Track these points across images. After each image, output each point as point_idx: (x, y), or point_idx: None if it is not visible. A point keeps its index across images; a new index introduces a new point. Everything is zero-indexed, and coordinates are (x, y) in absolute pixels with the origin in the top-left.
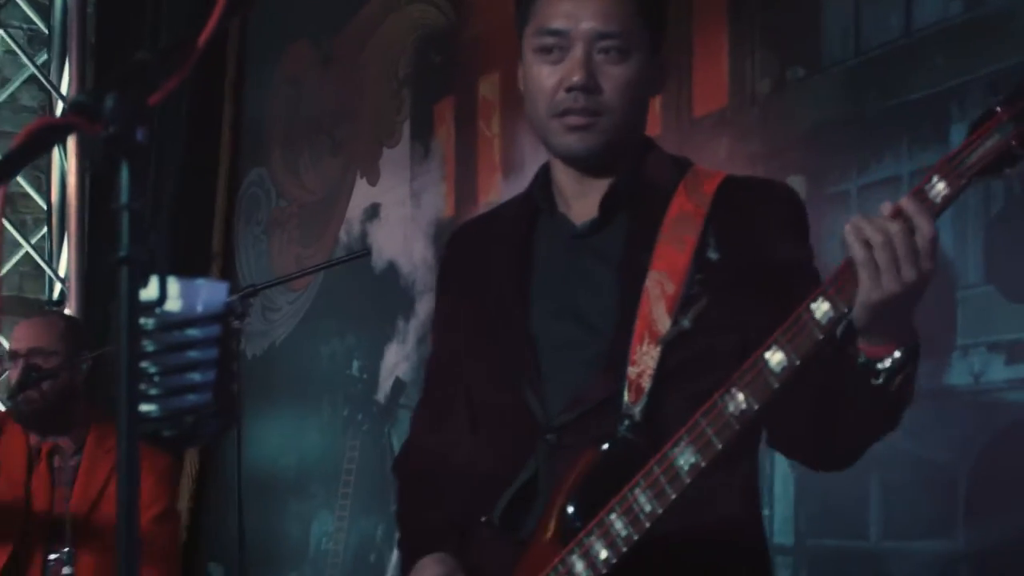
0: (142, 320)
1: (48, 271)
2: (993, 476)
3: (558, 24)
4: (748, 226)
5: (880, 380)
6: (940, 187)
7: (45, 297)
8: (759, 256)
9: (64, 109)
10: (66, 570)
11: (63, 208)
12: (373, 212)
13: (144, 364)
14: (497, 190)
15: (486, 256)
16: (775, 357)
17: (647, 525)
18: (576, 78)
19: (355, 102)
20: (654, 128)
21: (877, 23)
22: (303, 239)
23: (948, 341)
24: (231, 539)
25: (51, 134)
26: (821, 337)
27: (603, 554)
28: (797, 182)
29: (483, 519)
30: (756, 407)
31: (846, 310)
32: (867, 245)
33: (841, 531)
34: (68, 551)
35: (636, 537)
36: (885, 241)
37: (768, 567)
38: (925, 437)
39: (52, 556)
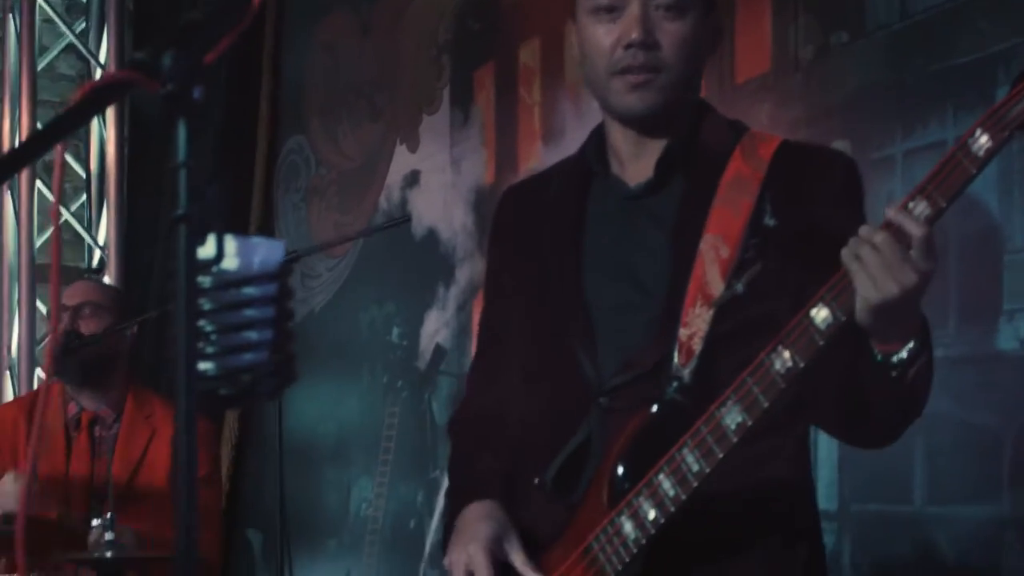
0: (199, 278)
1: (87, 238)
2: None
3: None
4: (806, 194)
5: (896, 373)
6: (983, 140)
7: (84, 265)
8: (815, 225)
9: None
10: (108, 536)
11: (102, 176)
12: (413, 179)
13: (201, 322)
14: (538, 157)
15: (539, 217)
16: (821, 314)
17: (695, 485)
18: (635, 35)
19: (394, 69)
20: None
21: None
22: (342, 206)
23: (995, 306)
24: (270, 506)
25: (111, 90)
26: (822, 343)
27: (651, 514)
28: (841, 147)
29: (536, 481)
30: (802, 365)
31: (844, 318)
32: (857, 257)
33: (885, 496)
34: (110, 517)
35: (684, 497)
36: (871, 248)
37: (817, 532)
38: (971, 402)
39: (94, 522)
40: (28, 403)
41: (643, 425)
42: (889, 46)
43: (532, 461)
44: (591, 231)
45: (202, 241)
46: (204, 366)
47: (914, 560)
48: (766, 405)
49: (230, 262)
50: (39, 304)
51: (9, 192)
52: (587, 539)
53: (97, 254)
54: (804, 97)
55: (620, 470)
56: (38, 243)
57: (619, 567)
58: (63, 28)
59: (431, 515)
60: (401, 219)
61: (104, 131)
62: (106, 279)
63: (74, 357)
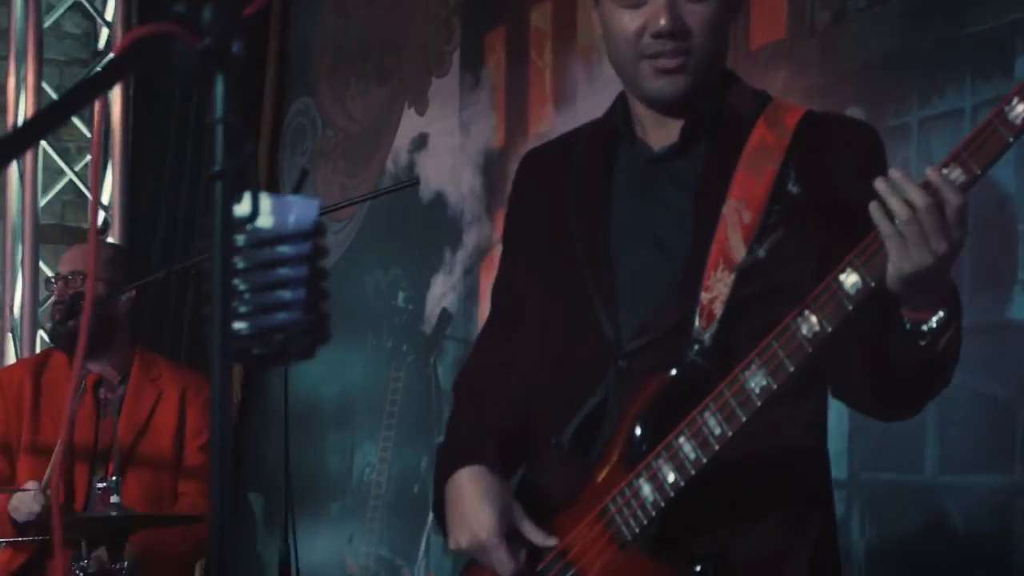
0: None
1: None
2: None
3: None
4: (829, 163)
5: (926, 342)
6: (1020, 108)
7: (88, 225)
8: (838, 193)
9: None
10: (114, 498)
11: (107, 136)
12: (421, 142)
13: (235, 281)
14: (548, 121)
15: (563, 178)
16: (850, 279)
17: (716, 448)
18: (663, 23)
19: (403, 32)
20: None
21: None
22: (349, 169)
23: (1009, 275)
24: (271, 470)
25: (151, 43)
26: (851, 308)
27: (671, 477)
28: (856, 114)
29: (553, 441)
30: (830, 329)
31: (873, 284)
32: (893, 219)
33: (896, 465)
34: (116, 480)
35: (705, 460)
36: (911, 216)
37: (830, 501)
38: (984, 371)
39: (100, 485)
40: (34, 365)
41: (662, 388)
42: (906, 13)
43: (548, 421)
44: (616, 194)
45: (238, 198)
46: (237, 325)
47: (924, 529)
48: (792, 369)
49: (265, 220)
50: (42, 265)
51: None
52: (603, 501)
53: (102, 215)
54: (819, 64)
55: (638, 432)
56: (42, 203)
57: (636, 529)
58: None
59: None
60: (409, 182)
61: (109, 91)
62: (110, 239)
63: (68, 326)
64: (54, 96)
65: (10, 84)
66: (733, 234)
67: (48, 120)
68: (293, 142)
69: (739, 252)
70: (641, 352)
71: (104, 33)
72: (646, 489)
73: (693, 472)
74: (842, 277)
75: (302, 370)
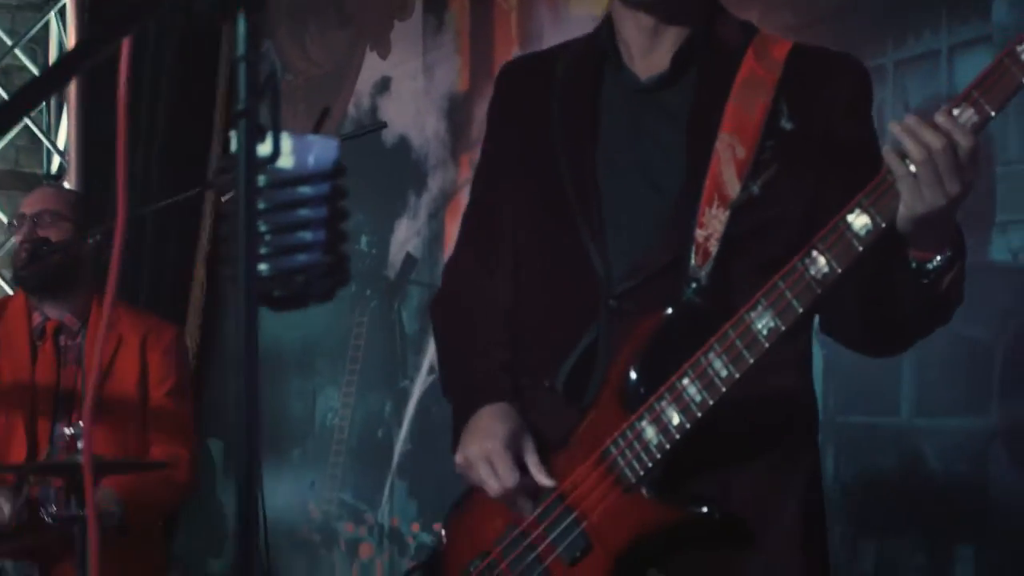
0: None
1: (47, 143)
2: None
3: None
4: (820, 98)
5: (929, 280)
6: None
7: (43, 171)
8: (829, 129)
9: None
10: (80, 445)
11: None
12: (383, 86)
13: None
14: None
15: (546, 99)
16: (859, 220)
17: (723, 390)
18: None
19: None
20: None
21: None
22: (310, 113)
23: (987, 217)
24: (229, 416)
25: None
26: (861, 249)
27: (675, 419)
28: None
29: (546, 384)
30: (840, 270)
31: (884, 224)
32: (907, 160)
33: (871, 408)
34: (81, 427)
35: (712, 402)
36: (927, 158)
37: (816, 439)
38: (961, 313)
39: (67, 431)
40: None
41: (658, 327)
42: None
43: (536, 360)
44: (603, 123)
45: (261, 138)
46: (258, 267)
47: (900, 472)
48: (801, 310)
49: (285, 160)
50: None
51: None
52: (603, 443)
53: (56, 160)
54: (793, 3)
55: (634, 374)
56: None
57: (640, 472)
58: None
59: (400, 425)
60: (377, 126)
61: (64, 33)
62: (66, 184)
63: (36, 266)
64: (6, 40)
65: None
66: (727, 169)
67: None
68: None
69: (733, 188)
70: (633, 292)
71: None
72: (650, 432)
73: (699, 414)
74: (851, 218)
75: (262, 316)
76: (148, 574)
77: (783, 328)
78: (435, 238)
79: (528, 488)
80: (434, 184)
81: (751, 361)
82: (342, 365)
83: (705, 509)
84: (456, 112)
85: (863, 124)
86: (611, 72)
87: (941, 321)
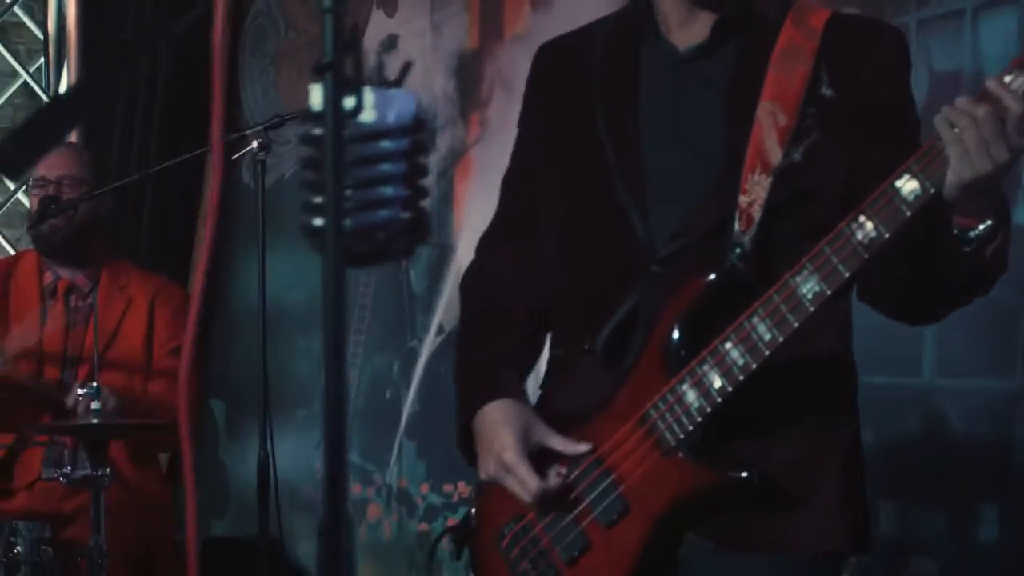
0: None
1: (47, 101)
2: None
3: None
4: (860, 65)
5: (971, 248)
6: None
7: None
8: (869, 96)
9: None
10: (94, 405)
11: (60, 37)
12: (390, 43)
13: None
14: (524, 23)
15: (586, 75)
16: (908, 185)
17: (766, 353)
18: None
19: None
20: None
21: None
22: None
23: (1013, 179)
24: (233, 375)
25: None
26: (909, 215)
27: (717, 383)
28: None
29: (586, 347)
30: (887, 235)
31: (933, 190)
32: (954, 128)
33: (893, 368)
34: (96, 386)
35: (754, 366)
36: (971, 124)
37: (856, 401)
38: None
39: (80, 391)
40: (3, 269)
41: (701, 292)
42: None
43: (576, 326)
44: (643, 94)
45: (348, 91)
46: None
47: (922, 433)
48: (847, 275)
49: (367, 114)
50: None
51: None
52: (643, 407)
53: None
54: None
55: (676, 337)
56: None
57: (681, 435)
58: None
59: (408, 386)
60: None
61: None
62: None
63: (51, 225)
64: None
65: None
66: (769, 137)
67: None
68: (254, 44)
69: (775, 155)
70: (676, 256)
71: None
72: (691, 395)
73: (741, 378)
74: (899, 183)
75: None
76: (155, 534)
77: (828, 292)
78: (444, 197)
79: (551, 487)
80: (443, 143)
81: (795, 325)
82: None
83: (745, 474)
84: (465, 71)
85: (901, 90)
86: (649, 45)
87: (982, 291)
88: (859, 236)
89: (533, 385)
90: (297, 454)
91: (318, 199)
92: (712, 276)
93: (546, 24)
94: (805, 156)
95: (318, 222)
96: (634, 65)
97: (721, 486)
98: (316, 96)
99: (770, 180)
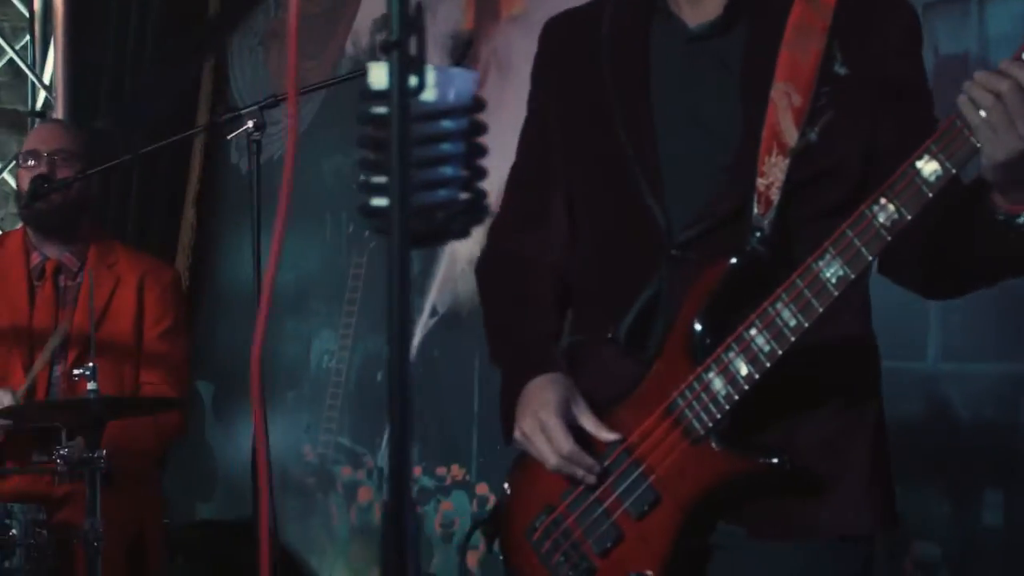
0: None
1: (32, 78)
2: None
3: None
4: (872, 41)
5: (1018, 234)
6: None
7: (27, 107)
8: (882, 72)
9: None
10: (91, 385)
11: (46, 15)
12: (383, 24)
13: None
14: (522, 3)
15: (595, 52)
16: (929, 166)
17: (792, 339)
18: None
19: None
20: None
21: None
22: (305, 51)
23: None
24: (221, 358)
25: None
26: (931, 195)
27: (744, 370)
28: None
29: (608, 336)
30: (909, 216)
31: (954, 170)
32: (978, 107)
33: (896, 353)
34: (92, 367)
35: (781, 352)
36: (995, 102)
37: (879, 384)
38: None
39: (76, 372)
40: None
41: (723, 277)
42: None
43: (596, 313)
44: (654, 74)
45: (413, 70)
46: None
47: (927, 418)
48: (870, 258)
49: (428, 93)
50: None
51: None
52: (670, 396)
53: (42, 95)
54: None
55: (699, 324)
56: None
57: (709, 424)
58: None
59: None
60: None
61: None
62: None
63: (43, 203)
64: None
65: None
66: (784, 118)
67: None
68: (244, 22)
69: (791, 136)
70: (695, 241)
71: None
72: (717, 383)
73: (768, 365)
74: (919, 164)
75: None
76: (146, 517)
77: (852, 276)
78: None
79: (582, 457)
80: None
81: (820, 310)
82: (338, 307)
83: (776, 459)
84: (458, 51)
85: (915, 66)
86: (659, 22)
87: (1018, 273)
88: (881, 218)
89: None
90: (286, 436)
91: (376, 179)
92: (734, 260)
93: (545, 4)
94: (821, 136)
95: (377, 202)
96: (644, 42)
97: (752, 473)
98: (377, 74)
99: (787, 161)
